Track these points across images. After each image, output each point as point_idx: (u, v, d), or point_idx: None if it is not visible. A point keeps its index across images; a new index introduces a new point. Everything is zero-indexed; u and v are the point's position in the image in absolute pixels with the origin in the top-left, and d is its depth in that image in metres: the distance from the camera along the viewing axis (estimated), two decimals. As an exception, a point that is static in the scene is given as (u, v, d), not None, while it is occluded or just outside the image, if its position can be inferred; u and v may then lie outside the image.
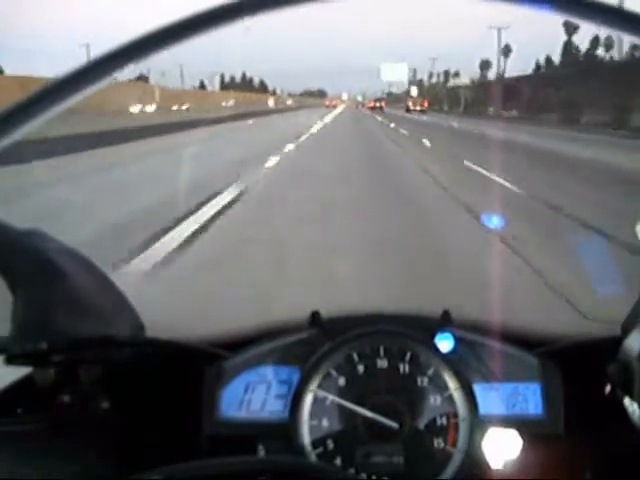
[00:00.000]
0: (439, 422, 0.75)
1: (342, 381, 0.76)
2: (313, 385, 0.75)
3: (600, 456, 0.79)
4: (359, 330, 0.78)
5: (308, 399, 0.75)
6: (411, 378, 0.77)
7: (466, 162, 10.66)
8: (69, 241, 0.65)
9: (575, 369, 0.79)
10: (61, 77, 0.48)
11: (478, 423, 0.75)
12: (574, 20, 0.47)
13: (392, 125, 27.30)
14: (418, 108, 53.04)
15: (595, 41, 39.82)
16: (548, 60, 47.18)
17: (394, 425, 0.74)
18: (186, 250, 4.24)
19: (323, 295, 3.20)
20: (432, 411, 0.76)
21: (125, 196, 6.82)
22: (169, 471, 0.50)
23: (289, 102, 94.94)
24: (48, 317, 0.61)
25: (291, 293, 3.29)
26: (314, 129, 22.62)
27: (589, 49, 40.87)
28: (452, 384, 0.76)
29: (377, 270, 3.91)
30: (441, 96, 61.94)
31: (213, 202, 6.30)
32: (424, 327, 0.79)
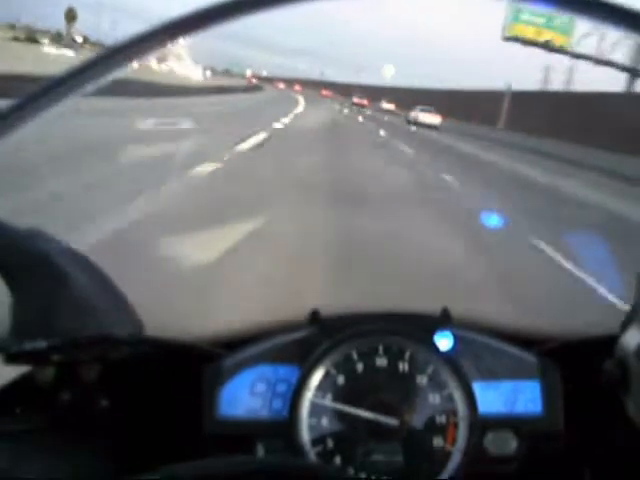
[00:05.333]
0: (438, 421, 0.75)
1: (341, 380, 0.76)
2: (312, 384, 0.75)
3: (599, 453, 0.79)
4: (358, 328, 0.78)
5: (307, 398, 0.75)
6: (410, 377, 0.77)
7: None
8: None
9: (574, 367, 0.79)
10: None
11: (477, 421, 0.75)
12: (574, 17, 0.47)
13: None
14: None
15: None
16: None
17: (393, 424, 0.74)
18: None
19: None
20: (431, 410, 0.76)
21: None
22: (168, 471, 0.50)
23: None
24: (47, 316, 0.61)
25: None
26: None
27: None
28: (451, 382, 0.76)
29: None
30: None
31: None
32: (423, 325, 0.79)
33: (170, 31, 0.48)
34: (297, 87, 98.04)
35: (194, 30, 0.48)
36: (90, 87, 0.48)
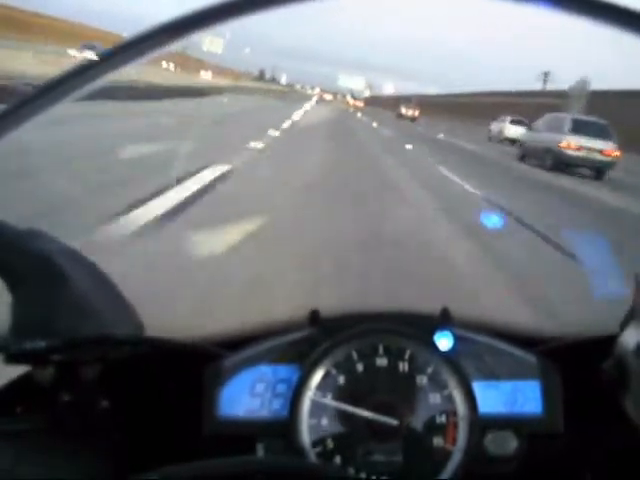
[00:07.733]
0: (438, 421, 0.75)
1: (341, 380, 0.76)
2: (312, 384, 0.75)
3: (599, 453, 0.79)
4: (358, 328, 0.78)
5: (307, 398, 0.75)
6: (410, 377, 0.77)
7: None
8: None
9: (574, 367, 0.79)
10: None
11: (477, 421, 0.75)
12: (572, 17, 0.47)
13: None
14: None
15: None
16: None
17: (393, 424, 0.74)
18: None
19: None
20: (431, 410, 0.76)
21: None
22: (168, 471, 0.50)
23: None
24: (47, 316, 0.61)
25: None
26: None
27: None
28: (451, 382, 0.76)
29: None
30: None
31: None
32: (423, 325, 0.79)
33: (167, 32, 0.48)
34: (327, 96, 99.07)
35: (191, 30, 0.48)
36: (86, 90, 0.48)
